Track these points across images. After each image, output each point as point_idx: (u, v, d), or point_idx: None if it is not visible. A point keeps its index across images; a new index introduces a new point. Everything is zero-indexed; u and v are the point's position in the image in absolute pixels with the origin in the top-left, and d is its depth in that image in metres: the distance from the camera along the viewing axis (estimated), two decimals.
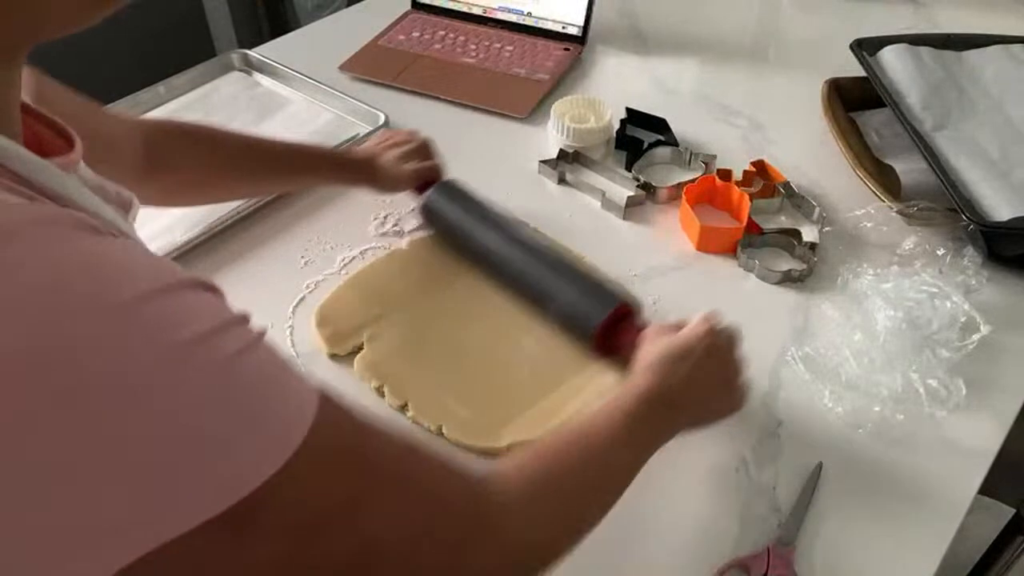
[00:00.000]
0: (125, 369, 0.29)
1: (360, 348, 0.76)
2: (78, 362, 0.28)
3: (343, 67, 1.17)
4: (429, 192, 0.84)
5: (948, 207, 0.87)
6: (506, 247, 0.78)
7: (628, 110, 1.06)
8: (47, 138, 0.45)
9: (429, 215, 0.85)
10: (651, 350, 0.62)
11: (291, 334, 0.78)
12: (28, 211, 0.32)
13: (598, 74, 1.20)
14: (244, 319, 0.35)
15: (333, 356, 0.76)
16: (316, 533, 0.36)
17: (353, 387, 0.73)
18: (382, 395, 0.72)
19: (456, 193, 0.85)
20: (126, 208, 0.50)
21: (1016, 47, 1.08)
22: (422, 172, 0.87)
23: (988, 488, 0.67)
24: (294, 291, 0.82)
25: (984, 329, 0.76)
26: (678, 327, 0.65)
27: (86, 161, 0.45)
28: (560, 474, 0.51)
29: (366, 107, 1.05)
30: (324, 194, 0.94)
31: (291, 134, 1.03)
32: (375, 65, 1.18)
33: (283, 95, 1.12)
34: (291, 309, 0.80)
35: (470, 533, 0.43)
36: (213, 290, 0.36)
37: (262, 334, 0.36)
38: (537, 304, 0.76)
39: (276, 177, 0.85)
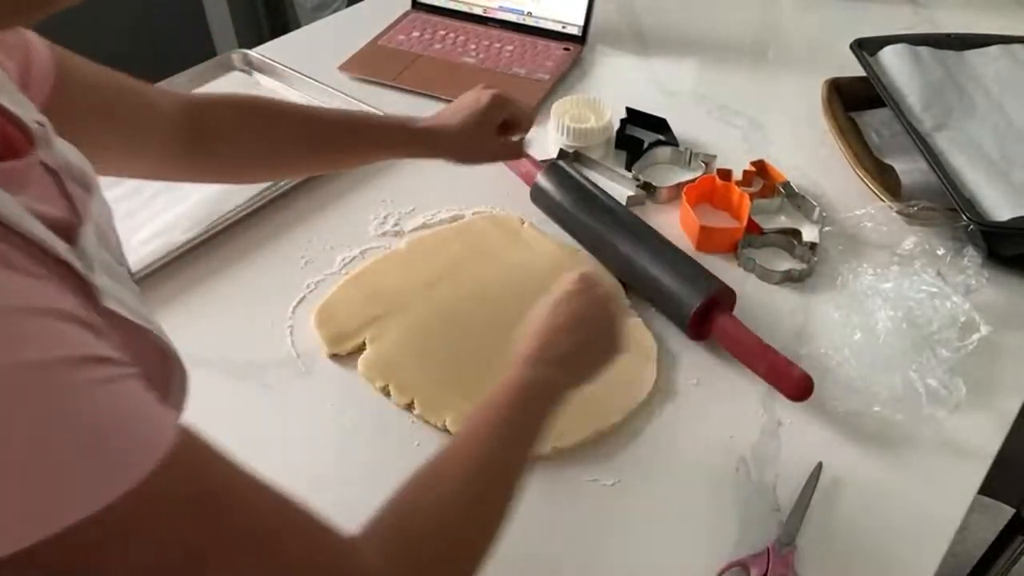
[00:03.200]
0: None
1: (360, 348, 0.76)
2: None
3: (343, 67, 1.17)
4: (538, 177, 0.91)
5: (948, 207, 0.87)
6: (616, 232, 0.84)
7: (628, 110, 1.06)
8: (13, 137, 0.42)
9: (540, 197, 0.92)
10: (530, 320, 0.60)
11: (291, 334, 0.78)
12: None
13: (598, 74, 1.20)
14: (110, 360, 0.33)
15: (333, 356, 0.76)
16: None
17: (355, 386, 0.74)
18: (387, 394, 0.72)
19: (563, 178, 0.90)
20: (87, 187, 0.48)
21: (1016, 47, 1.08)
22: (507, 151, 0.87)
23: (988, 488, 0.67)
24: (294, 291, 0.82)
25: (984, 329, 0.75)
26: None
27: (89, 136, 0.46)
28: (436, 520, 0.45)
29: (366, 107, 1.05)
30: (324, 194, 0.94)
31: None
32: (375, 65, 1.18)
33: (283, 95, 1.12)
34: (291, 309, 0.80)
35: None
36: (89, 327, 0.34)
37: (127, 375, 0.34)
38: (640, 287, 0.82)
39: (340, 153, 0.77)
